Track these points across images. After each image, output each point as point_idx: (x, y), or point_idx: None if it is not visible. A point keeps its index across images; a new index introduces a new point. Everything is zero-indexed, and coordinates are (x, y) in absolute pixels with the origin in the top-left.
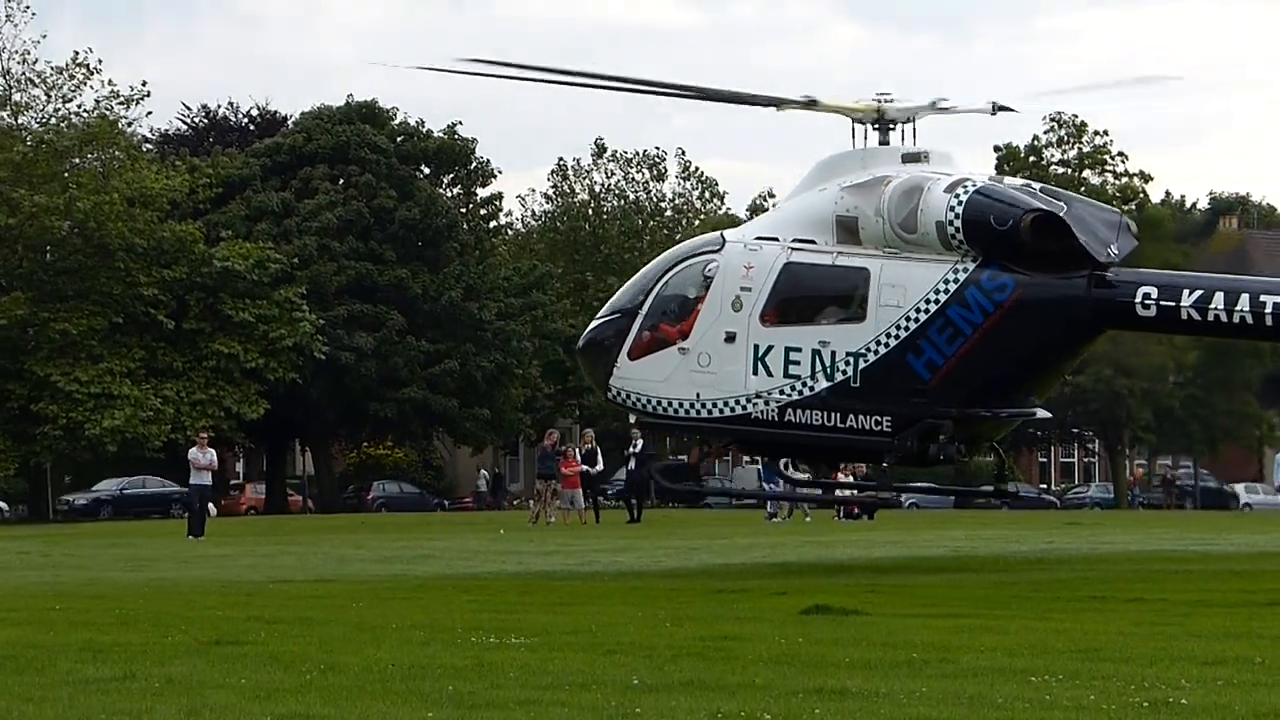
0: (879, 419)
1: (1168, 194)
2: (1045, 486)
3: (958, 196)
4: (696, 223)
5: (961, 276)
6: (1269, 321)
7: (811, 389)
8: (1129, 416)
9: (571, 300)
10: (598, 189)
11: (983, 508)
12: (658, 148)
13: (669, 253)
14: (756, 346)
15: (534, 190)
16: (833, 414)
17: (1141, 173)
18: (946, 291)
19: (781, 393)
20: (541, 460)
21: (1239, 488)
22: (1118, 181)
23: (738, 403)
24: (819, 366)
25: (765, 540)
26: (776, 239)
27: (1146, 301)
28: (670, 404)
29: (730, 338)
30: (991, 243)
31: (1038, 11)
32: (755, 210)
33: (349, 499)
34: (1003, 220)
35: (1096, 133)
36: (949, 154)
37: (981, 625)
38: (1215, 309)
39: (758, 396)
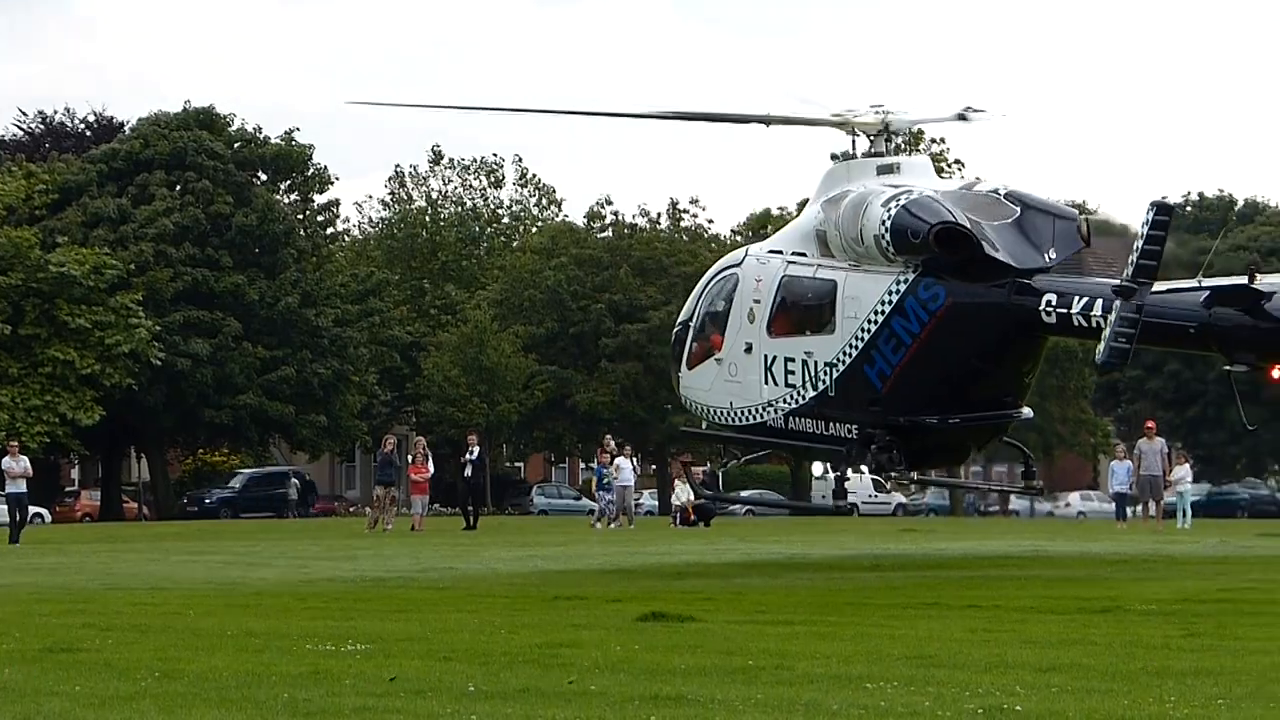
0: (850, 427)
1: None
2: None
3: (889, 210)
4: (534, 229)
5: (902, 288)
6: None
7: (804, 397)
8: None
9: (408, 307)
10: (435, 196)
11: (819, 514)
12: (495, 155)
13: (713, 267)
14: (766, 356)
15: (371, 197)
16: (819, 422)
17: (977, 179)
18: (890, 303)
19: (785, 401)
20: (380, 467)
21: (1074, 495)
22: None
23: (757, 411)
24: (807, 376)
25: (600, 548)
26: (781, 251)
27: (1048, 309)
28: (715, 411)
29: (749, 348)
30: (916, 255)
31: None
32: (592, 218)
33: (187, 506)
34: (916, 234)
35: (933, 140)
36: (924, 164)
37: (817, 632)
38: (1095, 315)
39: (769, 405)
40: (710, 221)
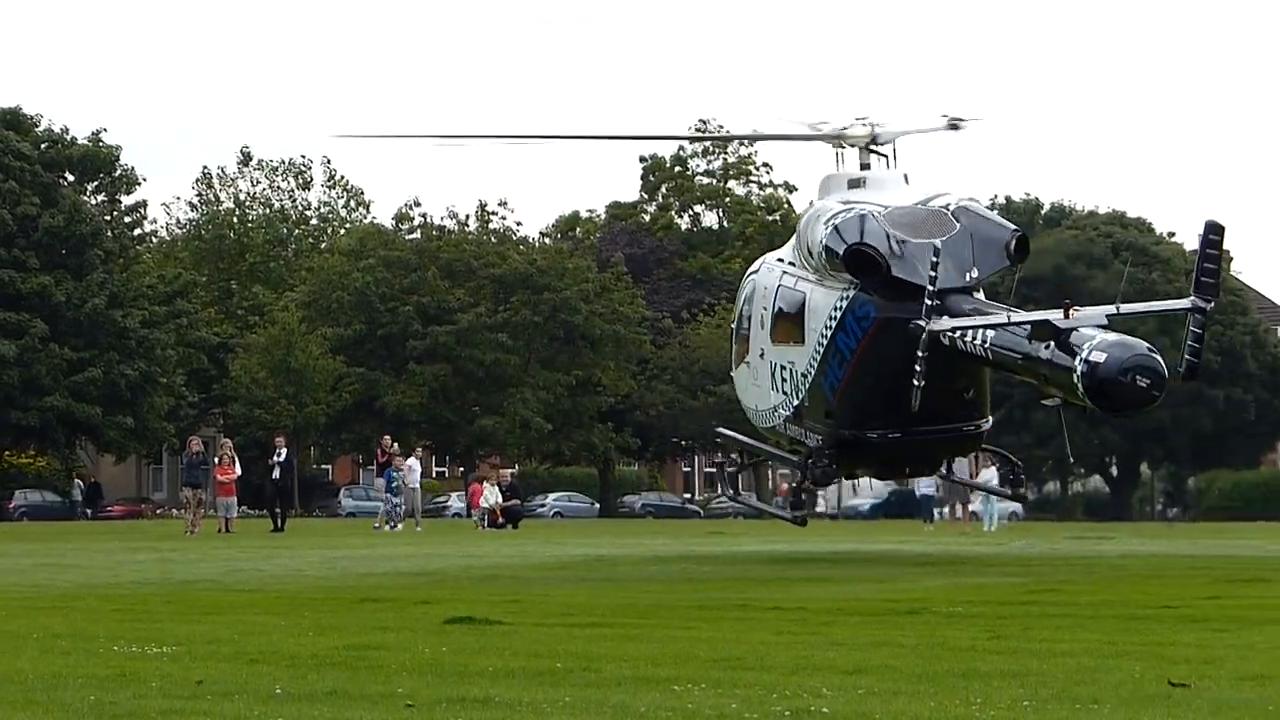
0: (817, 437)
1: (811, 204)
2: (689, 496)
3: (827, 228)
4: (342, 231)
5: (845, 303)
6: (980, 351)
7: (791, 406)
8: None
9: (216, 309)
10: (243, 197)
11: (627, 517)
12: (304, 156)
13: (747, 271)
14: (771, 363)
15: (179, 198)
16: (800, 429)
17: (786, 183)
18: (836, 318)
19: (783, 408)
20: (186, 469)
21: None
22: (762, 192)
23: (769, 414)
24: (792, 385)
25: (408, 550)
26: (783, 260)
27: (946, 330)
28: (750, 410)
29: (761, 354)
30: (843, 273)
31: None
32: (401, 219)
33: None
34: (837, 254)
35: (741, 143)
36: (895, 177)
37: (624, 634)
38: (965, 338)
39: (774, 410)
40: (519, 224)
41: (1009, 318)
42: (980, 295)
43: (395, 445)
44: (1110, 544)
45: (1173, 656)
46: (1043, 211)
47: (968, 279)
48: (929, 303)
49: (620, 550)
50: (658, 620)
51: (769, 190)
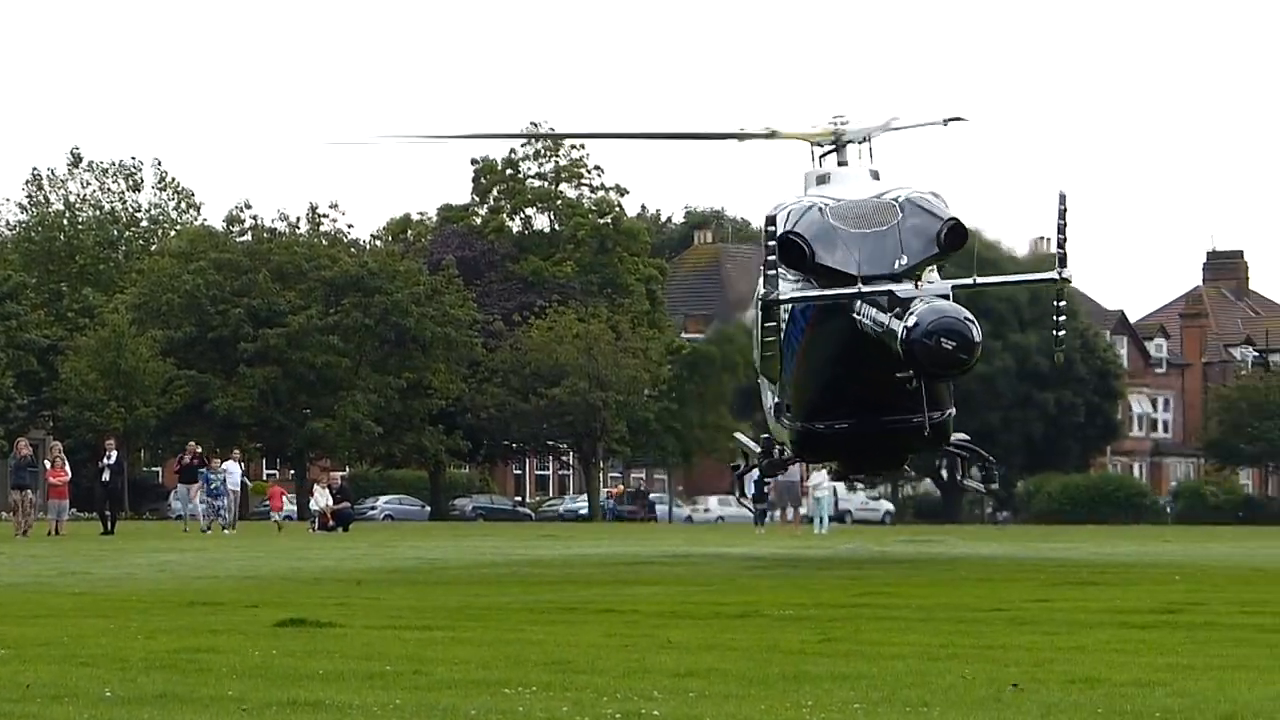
0: (792, 431)
1: (644, 207)
2: (520, 499)
3: (773, 223)
4: (173, 233)
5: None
6: (862, 327)
7: (778, 402)
8: (604, 429)
9: (46, 311)
10: (73, 199)
11: (458, 520)
12: (134, 158)
13: None
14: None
15: (8, 200)
16: (784, 425)
17: (618, 186)
18: (788, 310)
19: (778, 404)
20: (15, 471)
21: (713, 500)
22: (594, 195)
23: (771, 412)
24: (779, 382)
25: (238, 554)
26: None
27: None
28: (768, 412)
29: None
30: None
31: None
32: (232, 221)
33: None
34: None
35: (573, 146)
36: (860, 173)
37: (455, 637)
38: (882, 320)
39: (772, 409)
40: (350, 226)
41: (859, 289)
42: (932, 281)
43: (199, 449)
44: (941, 547)
45: (1003, 659)
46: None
47: (896, 266)
48: (769, 273)
49: (451, 553)
50: (489, 623)
51: (600, 193)
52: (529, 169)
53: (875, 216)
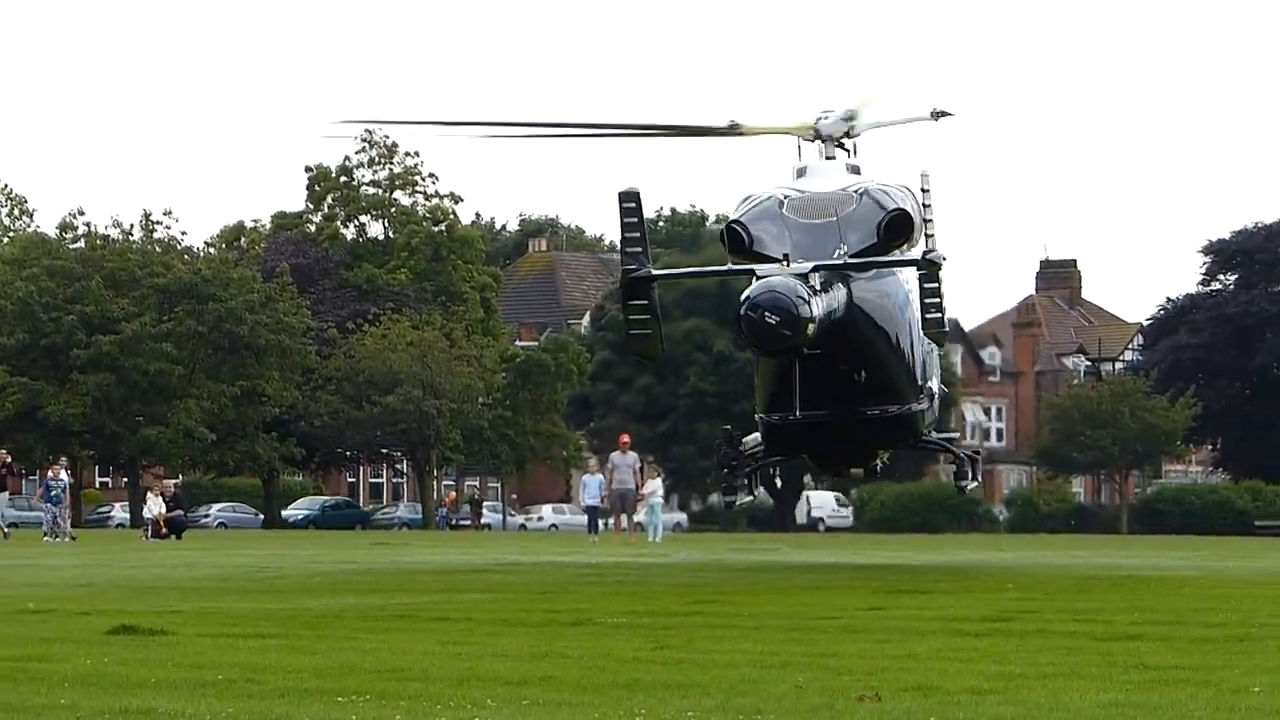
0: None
1: (478, 215)
2: (356, 505)
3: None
4: (5, 240)
5: None
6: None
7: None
8: (438, 437)
9: None
10: None
11: (293, 528)
12: None
13: None
14: None
15: None
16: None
17: (452, 194)
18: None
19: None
20: None
21: (546, 508)
22: (428, 203)
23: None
24: None
25: (70, 560)
26: None
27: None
28: None
29: None
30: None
31: None
32: (64, 228)
33: None
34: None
35: (408, 154)
36: (836, 167)
37: (289, 645)
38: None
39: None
40: (184, 233)
41: (727, 267)
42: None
43: (10, 459)
44: (774, 555)
45: (836, 667)
46: (708, 223)
47: (835, 255)
48: (631, 250)
49: (284, 561)
50: (322, 631)
51: (435, 201)
52: (363, 176)
53: (828, 208)
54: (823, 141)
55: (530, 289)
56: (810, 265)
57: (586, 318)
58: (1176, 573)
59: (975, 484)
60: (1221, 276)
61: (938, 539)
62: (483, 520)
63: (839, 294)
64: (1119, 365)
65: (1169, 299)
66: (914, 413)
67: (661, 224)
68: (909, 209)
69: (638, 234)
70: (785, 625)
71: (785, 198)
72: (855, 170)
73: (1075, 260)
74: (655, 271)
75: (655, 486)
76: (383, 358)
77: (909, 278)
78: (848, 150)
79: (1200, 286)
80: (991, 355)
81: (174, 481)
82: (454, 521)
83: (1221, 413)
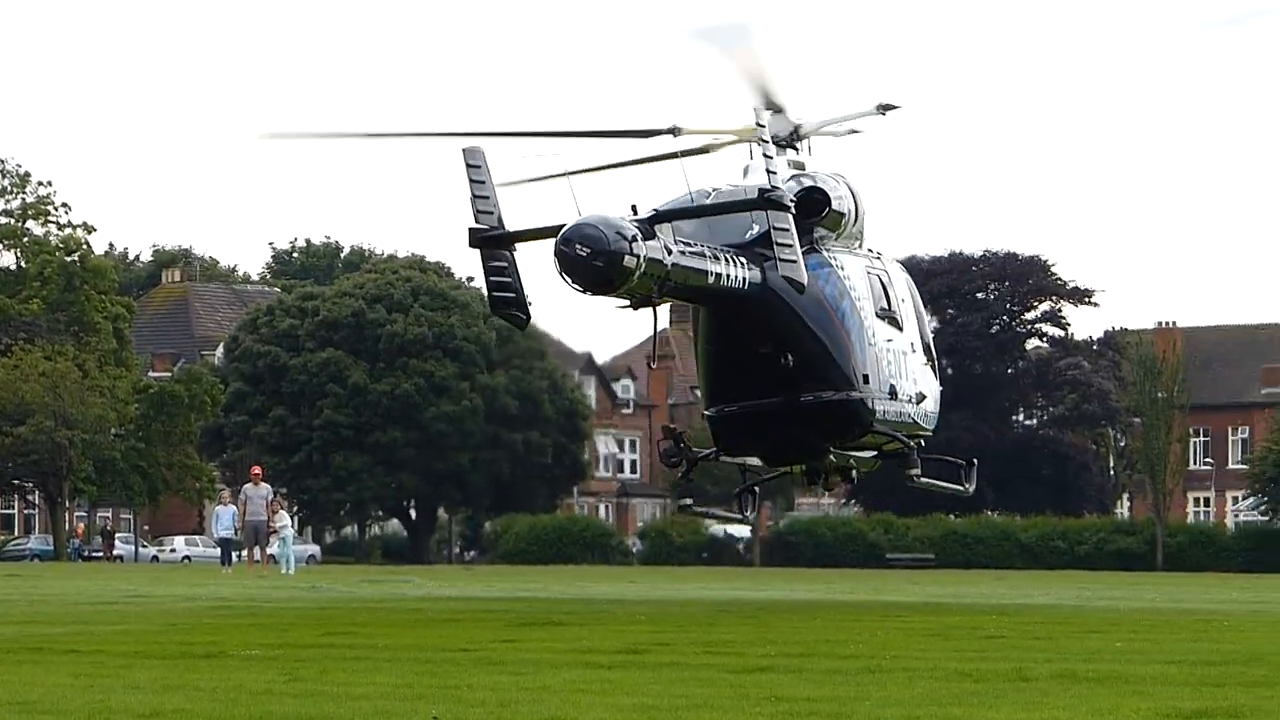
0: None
1: (111, 245)
2: None
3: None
4: None
5: None
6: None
7: None
8: (70, 468)
9: None
10: None
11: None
12: None
13: None
14: None
15: None
16: None
17: (85, 224)
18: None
19: None
20: None
21: (179, 540)
22: (61, 232)
23: None
24: None
25: None
26: None
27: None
28: None
29: None
30: None
31: None
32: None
33: None
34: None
35: (40, 183)
36: (780, 164)
37: None
38: None
39: None
40: None
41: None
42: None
43: None
44: (408, 587)
45: (469, 699)
46: (343, 254)
47: (746, 237)
48: (481, 210)
49: None
50: None
51: (68, 230)
52: None
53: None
54: (765, 143)
55: (163, 320)
56: (652, 208)
57: (220, 349)
58: (808, 604)
59: (927, 479)
60: None
61: (571, 571)
62: (115, 552)
63: (739, 270)
64: None
65: None
66: (854, 400)
67: (296, 255)
68: (826, 189)
69: (487, 194)
70: (419, 658)
71: (718, 189)
72: (800, 166)
73: None
74: (507, 230)
75: (285, 520)
76: (14, 388)
77: (852, 272)
78: (797, 149)
79: None
80: (625, 388)
81: None
82: (86, 553)
83: None
